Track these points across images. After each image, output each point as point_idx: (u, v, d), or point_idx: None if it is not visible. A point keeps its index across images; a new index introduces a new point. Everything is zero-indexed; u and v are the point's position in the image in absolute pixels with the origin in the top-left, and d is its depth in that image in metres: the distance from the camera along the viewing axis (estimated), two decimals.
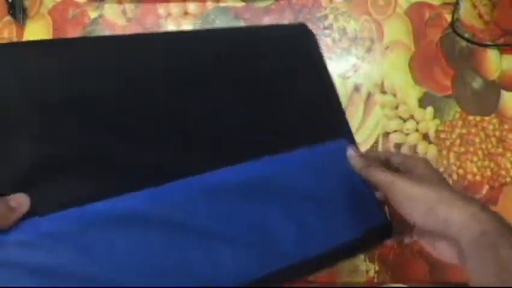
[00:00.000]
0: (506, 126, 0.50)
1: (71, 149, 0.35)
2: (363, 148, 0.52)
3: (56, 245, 0.32)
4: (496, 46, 0.52)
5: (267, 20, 0.54)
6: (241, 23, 0.55)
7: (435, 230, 0.33)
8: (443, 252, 0.33)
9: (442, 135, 0.51)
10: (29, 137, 0.34)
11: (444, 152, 0.50)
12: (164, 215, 0.35)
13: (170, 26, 0.55)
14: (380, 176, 0.36)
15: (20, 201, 0.31)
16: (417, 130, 0.51)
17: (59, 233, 0.32)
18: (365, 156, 0.40)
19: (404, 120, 0.52)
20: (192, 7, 0.55)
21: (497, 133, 0.49)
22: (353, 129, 0.48)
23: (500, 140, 0.49)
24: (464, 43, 0.52)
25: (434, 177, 0.36)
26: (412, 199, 0.34)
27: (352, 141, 0.44)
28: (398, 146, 0.51)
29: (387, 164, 0.40)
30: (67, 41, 0.44)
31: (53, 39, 0.48)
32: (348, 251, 0.40)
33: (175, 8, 0.55)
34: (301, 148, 0.42)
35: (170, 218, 0.36)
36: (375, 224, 0.40)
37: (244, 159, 0.40)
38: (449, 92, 0.51)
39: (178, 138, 0.38)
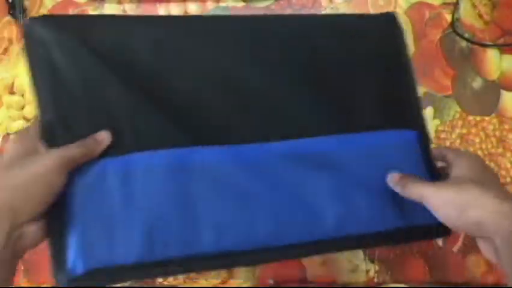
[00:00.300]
0: (506, 126, 0.50)
1: (150, 103, 0.41)
2: None
3: (123, 183, 0.38)
4: (496, 46, 0.52)
5: None
6: None
7: (469, 233, 0.34)
8: (483, 250, 0.34)
9: (442, 135, 0.51)
10: (120, 89, 0.40)
11: None
12: (215, 171, 0.40)
13: None
14: (414, 190, 0.38)
15: (103, 137, 0.37)
16: None
17: (128, 173, 0.38)
18: (402, 175, 0.41)
19: None
20: (192, 7, 0.55)
21: (497, 133, 0.49)
22: None
23: (500, 140, 0.49)
24: (464, 43, 0.52)
25: (472, 177, 0.36)
26: (444, 204, 0.35)
27: (425, 134, 0.45)
28: None
29: (444, 160, 0.41)
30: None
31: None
32: (389, 238, 0.42)
33: (175, 8, 0.55)
34: (370, 132, 0.44)
35: (221, 175, 0.40)
36: (429, 221, 0.41)
37: (312, 134, 0.43)
38: (449, 92, 0.51)
39: (255, 107, 0.43)
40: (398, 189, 0.40)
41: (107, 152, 0.38)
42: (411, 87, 0.47)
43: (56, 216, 0.36)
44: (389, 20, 0.49)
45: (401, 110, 0.46)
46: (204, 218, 0.39)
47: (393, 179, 0.41)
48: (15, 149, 0.34)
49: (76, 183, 0.37)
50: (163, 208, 0.38)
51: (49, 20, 0.43)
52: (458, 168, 0.38)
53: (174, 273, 0.41)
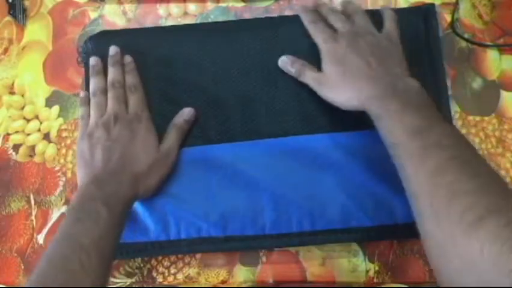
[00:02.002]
0: (506, 126, 0.50)
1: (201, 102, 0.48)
2: None
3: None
4: (496, 46, 0.52)
5: None
6: None
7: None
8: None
9: None
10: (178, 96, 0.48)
11: None
12: (228, 164, 0.46)
13: None
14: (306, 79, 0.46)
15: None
16: None
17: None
18: (293, 59, 0.48)
19: None
20: (192, 7, 0.55)
21: (497, 133, 0.49)
22: None
23: (500, 140, 0.49)
24: (464, 43, 0.52)
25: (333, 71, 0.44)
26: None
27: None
28: None
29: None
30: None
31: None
32: (392, 233, 0.45)
33: (175, 8, 0.55)
34: None
35: (232, 167, 0.45)
36: None
37: (321, 131, 0.46)
38: (449, 92, 0.51)
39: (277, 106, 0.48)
40: (295, 74, 0.47)
41: None
42: (438, 83, 0.48)
43: None
44: (423, 13, 0.50)
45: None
46: (214, 205, 0.45)
47: (286, 62, 0.48)
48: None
49: None
50: (179, 196, 0.45)
51: (103, 36, 0.51)
52: (324, 64, 0.45)
53: (183, 252, 0.47)
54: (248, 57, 0.49)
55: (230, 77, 0.48)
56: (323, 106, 0.47)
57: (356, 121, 0.46)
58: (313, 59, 0.48)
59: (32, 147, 0.52)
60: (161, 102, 0.48)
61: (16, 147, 0.53)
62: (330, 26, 0.47)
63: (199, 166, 0.46)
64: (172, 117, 0.47)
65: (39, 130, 0.53)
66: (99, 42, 0.51)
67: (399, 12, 0.51)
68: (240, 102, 0.47)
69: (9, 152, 0.52)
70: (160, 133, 0.47)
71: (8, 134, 0.53)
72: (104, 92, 0.47)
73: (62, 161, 0.51)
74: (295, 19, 0.51)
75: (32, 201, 0.51)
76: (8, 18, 0.57)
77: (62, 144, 0.52)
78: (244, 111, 0.47)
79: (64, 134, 0.52)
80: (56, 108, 0.53)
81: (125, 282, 0.48)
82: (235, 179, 0.45)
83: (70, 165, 0.51)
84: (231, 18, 0.54)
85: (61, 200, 0.50)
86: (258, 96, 0.48)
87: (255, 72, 0.48)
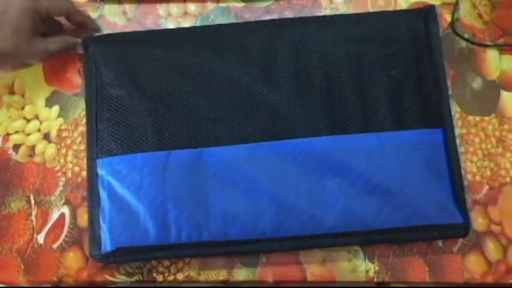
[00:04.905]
0: (506, 126, 0.50)
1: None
2: None
3: (145, 175, 0.46)
4: (496, 46, 0.52)
5: None
6: None
7: None
8: None
9: None
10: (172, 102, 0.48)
11: None
12: (229, 167, 0.45)
13: (171, 26, 0.55)
14: None
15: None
16: None
17: (152, 167, 0.46)
18: None
19: None
20: (192, 7, 0.55)
21: (497, 133, 0.50)
22: None
23: (500, 140, 0.49)
24: (464, 43, 0.52)
25: None
26: None
27: (452, 132, 0.47)
28: None
29: None
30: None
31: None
32: (394, 236, 0.45)
33: (175, 8, 0.55)
34: (391, 131, 0.46)
35: (233, 170, 0.45)
36: (439, 221, 0.44)
37: (323, 134, 0.46)
38: (449, 92, 0.51)
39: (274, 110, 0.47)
40: None
41: (136, 148, 0.46)
42: (439, 84, 0.48)
43: (94, 206, 0.46)
44: (424, 15, 0.50)
45: (427, 108, 0.46)
46: (214, 208, 0.44)
47: None
48: None
49: (106, 179, 0.46)
50: (179, 199, 0.45)
51: (101, 39, 0.52)
52: None
53: (184, 256, 0.46)
54: (249, 60, 0.49)
55: (231, 80, 0.48)
56: (325, 109, 0.47)
57: (359, 123, 0.46)
58: (313, 62, 0.48)
59: (32, 147, 0.52)
60: (158, 105, 0.48)
61: (16, 147, 0.53)
62: None
63: (200, 169, 0.45)
64: (169, 118, 0.47)
65: (39, 130, 0.53)
66: (97, 43, 0.51)
67: (400, 13, 0.51)
68: (240, 105, 0.47)
69: (9, 152, 0.52)
70: (156, 133, 0.47)
71: (8, 134, 0.53)
72: None
73: (62, 161, 0.51)
74: (296, 21, 0.51)
75: (32, 201, 0.51)
76: None
77: (62, 144, 0.52)
78: (245, 114, 0.47)
79: (64, 134, 0.52)
80: (56, 108, 0.53)
81: (125, 282, 0.48)
82: (236, 182, 0.45)
83: (70, 165, 0.51)
84: (231, 18, 0.54)
85: (61, 200, 0.50)
86: (259, 99, 0.47)
87: (256, 75, 0.48)
